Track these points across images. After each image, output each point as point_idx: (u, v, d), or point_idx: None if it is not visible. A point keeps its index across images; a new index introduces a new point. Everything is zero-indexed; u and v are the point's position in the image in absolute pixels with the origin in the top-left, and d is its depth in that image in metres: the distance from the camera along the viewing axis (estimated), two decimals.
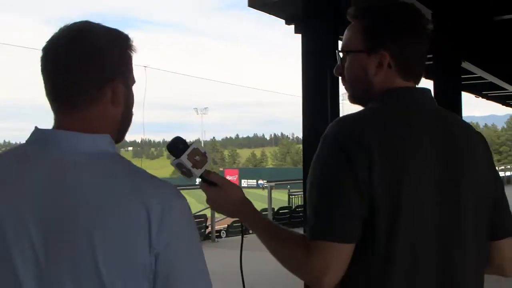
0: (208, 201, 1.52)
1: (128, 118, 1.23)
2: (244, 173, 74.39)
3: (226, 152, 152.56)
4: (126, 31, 1.21)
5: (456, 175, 1.38)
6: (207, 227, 11.71)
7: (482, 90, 12.68)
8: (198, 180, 1.55)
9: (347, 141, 1.31)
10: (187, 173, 1.44)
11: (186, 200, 1.12)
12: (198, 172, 1.45)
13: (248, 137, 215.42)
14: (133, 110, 1.24)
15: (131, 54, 1.21)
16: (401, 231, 1.30)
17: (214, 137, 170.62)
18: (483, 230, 1.43)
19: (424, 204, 1.33)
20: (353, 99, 1.51)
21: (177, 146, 1.44)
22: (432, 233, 1.34)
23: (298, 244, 1.35)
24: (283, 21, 7.66)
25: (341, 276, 1.32)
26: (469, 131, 1.47)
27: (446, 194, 1.36)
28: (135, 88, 1.24)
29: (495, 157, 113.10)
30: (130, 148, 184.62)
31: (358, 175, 1.28)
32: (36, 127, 1.15)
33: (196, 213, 12.48)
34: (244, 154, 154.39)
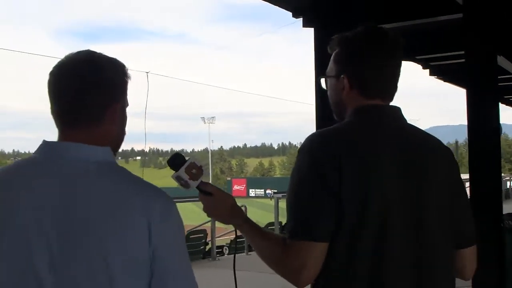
0: (204, 209, 1.67)
1: (122, 135, 1.41)
2: (252, 183, 73.92)
3: (233, 162, 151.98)
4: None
5: (418, 183, 1.51)
6: (206, 243, 10.63)
7: (505, 94, 11.82)
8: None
9: (318, 152, 1.50)
10: (185, 185, 1.62)
11: (177, 210, 1.32)
12: (195, 183, 1.63)
13: (255, 146, 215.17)
14: (126, 128, 1.43)
15: (127, 80, 1.39)
16: (368, 231, 1.45)
17: (221, 147, 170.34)
18: (448, 238, 1.55)
19: (389, 205, 1.47)
20: (336, 116, 1.68)
21: (176, 161, 1.62)
22: (397, 232, 1.47)
23: (279, 244, 1.51)
24: (290, 15, 6.82)
25: (317, 273, 1.47)
26: (435, 144, 1.60)
27: (409, 199, 1.50)
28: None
29: (507, 166, 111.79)
30: (138, 158, 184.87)
31: (329, 180, 1.45)
32: (44, 140, 1.31)
33: (193, 228, 11.57)
34: (251, 163, 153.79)
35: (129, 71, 1.39)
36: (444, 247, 1.54)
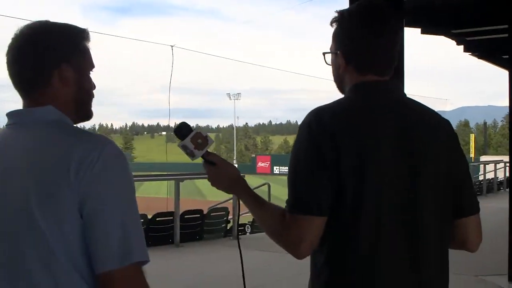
0: (208, 178, 1.74)
1: (82, 96, 1.46)
2: (277, 160, 73.67)
3: (258, 139, 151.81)
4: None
5: (416, 157, 1.55)
6: (228, 221, 9.97)
7: None
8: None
9: (317, 129, 1.53)
10: (191, 154, 1.68)
11: (114, 146, 1.33)
12: (200, 153, 1.69)
13: (281, 123, 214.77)
14: (93, 91, 1.49)
15: (84, 43, 1.45)
16: (365, 205, 1.50)
17: (246, 123, 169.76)
18: (445, 209, 1.60)
19: (386, 181, 1.52)
20: (340, 91, 1.72)
21: (182, 131, 1.70)
22: (394, 207, 1.53)
23: (279, 216, 1.56)
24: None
25: (315, 245, 1.54)
26: (434, 118, 1.63)
27: (407, 174, 1.54)
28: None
29: None
30: (164, 133, 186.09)
31: (326, 157, 1.50)
32: (6, 112, 1.44)
33: (215, 205, 11.31)
34: (276, 140, 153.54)
35: (89, 34, 1.46)
36: (438, 222, 1.59)
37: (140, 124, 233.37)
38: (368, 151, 1.51)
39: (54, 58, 1.40)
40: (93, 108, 1.51)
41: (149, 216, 8.81)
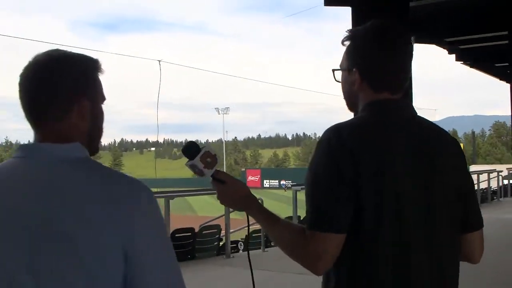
0: (218, 196, 1.73)
1: (95, 132, 1.40)
2: (266, 174, 73.82)
3: (248, 153, 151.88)
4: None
5: (425, 174, 1.58)
6: (220, 239, 9.75)
7: None
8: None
9: (335, 144, 1.55)
10: (199, 173, 1.67)
11: (154, 199, 1.29)
12: (209, 172, 1.66)
13: (270, 137, 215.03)
14: (103, 124, 1.43)
15: (98, 75, 1.39)
16: (384, 223, 1.52)
17: (235, 137, 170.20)
18: (455, 223, 1.64)
19: (400, 199, 1.54)
20: (349, 108, 1.76)
21: (191, 150, 1.66)
22: (411, 224, 1.55)
23: (297, 234, 1.57)
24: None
25: (333, 262, 1.54)
26: (442, 135, 1.69)
27: (418, 191, 1.57)
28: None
29: None
30: (153, 149, 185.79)
31: (345, 173, 1.51)
32: (20, 144, 1.38)
33: (206, 222, 11.09)
34: (266, 154, 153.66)
35: (101, 65, 1.41)
36: (451, 236, 1.63)
37: (129, 140, 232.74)
38: (386, 167, 1.53)
39: (73, 90, 1.34)
40: None
41: None
